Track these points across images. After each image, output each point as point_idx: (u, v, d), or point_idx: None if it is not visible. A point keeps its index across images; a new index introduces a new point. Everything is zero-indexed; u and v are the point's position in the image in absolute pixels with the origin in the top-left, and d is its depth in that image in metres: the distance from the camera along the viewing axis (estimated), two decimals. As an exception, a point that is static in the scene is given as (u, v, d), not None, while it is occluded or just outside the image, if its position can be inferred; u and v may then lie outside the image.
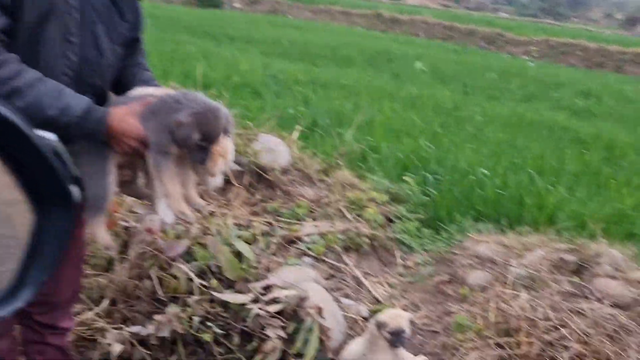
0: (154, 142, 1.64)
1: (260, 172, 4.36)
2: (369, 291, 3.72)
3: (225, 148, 1.75)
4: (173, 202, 1.70)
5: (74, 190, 0.57)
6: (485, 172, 5.38)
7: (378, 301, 3.63)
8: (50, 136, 0.53)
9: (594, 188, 5.57)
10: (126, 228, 3.23)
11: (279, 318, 2.97)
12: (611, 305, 3.30)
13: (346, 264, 3.90)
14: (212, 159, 1.71)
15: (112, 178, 1.70)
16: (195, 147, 1.65)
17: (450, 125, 7.70)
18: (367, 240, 4.08)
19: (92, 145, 1.65)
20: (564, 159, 6.44)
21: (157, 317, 2.72)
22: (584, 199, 5.16)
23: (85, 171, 1.61)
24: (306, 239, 4.03)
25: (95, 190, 1.67)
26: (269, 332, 2.80)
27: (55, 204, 0.57)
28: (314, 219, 4.28)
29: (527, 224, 4.68)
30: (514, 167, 5.85)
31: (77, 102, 1.56)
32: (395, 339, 2.91)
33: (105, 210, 1.73)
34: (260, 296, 3.04)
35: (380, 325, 2.93)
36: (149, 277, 3.08)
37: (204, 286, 3.03)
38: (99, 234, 1.77)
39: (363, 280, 3.79)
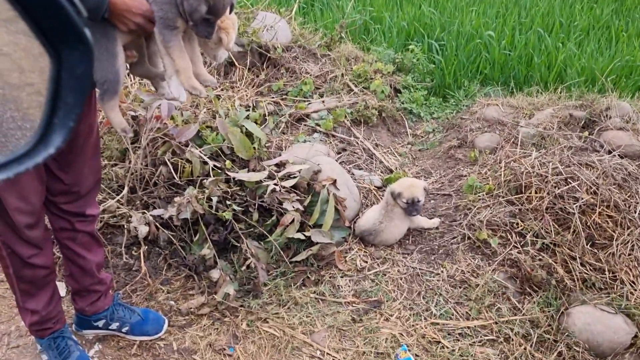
0: (160, 16, 1.59)
1: (262, 51, 4.26)
2: (381, 161, 3.77)
3: (233, 20, 1.71)
4: (184, 78, 1.69)
5: (86, 30, 0.56)
6: (492, 34, 5.22)
7: (390, 170, 3.69)
8: None
9: (604, 42, 5.42)
10: (134, 117, 3.22)
11: (294, 192, 3.05)
12: (620, 156, 3.34)
13: (356, 137, 3.92)
14: (223, 32, 1.68)
15: (122, 60, 1.66)
16: (202, 21, 1.60)
17: (453, -12, 7.36)
18: (375, 112, 4.06)
19: (96, 27, 1.58)
20: (573, 14, 6.21)
21: (176, 199, 2.79)
22: (594, 54, 5.04)
23: None
24: (314, 115, 4.02)
25: (105, 74, 1.64)
26: (286, 205, 2.89)
27: (70, 47, 0.57)
28: (321, 95, 4.24)
29: (536, 84, 4.62)
30: (521, 26, 5.66)
31: None
32: (411, 207, 3.01)
33: (118, 93, 1.71)
34: (275, 173, 3.10)
35: (395, 196, 3.01)
36: (164, 164, 3.13)
37: (218, 168, 3.09)
38: (114, 118, 1.77)
39: (374, 151, 3.83)
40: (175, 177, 3.10)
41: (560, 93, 4.30)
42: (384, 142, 4.04)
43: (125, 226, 2.90)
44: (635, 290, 2.69)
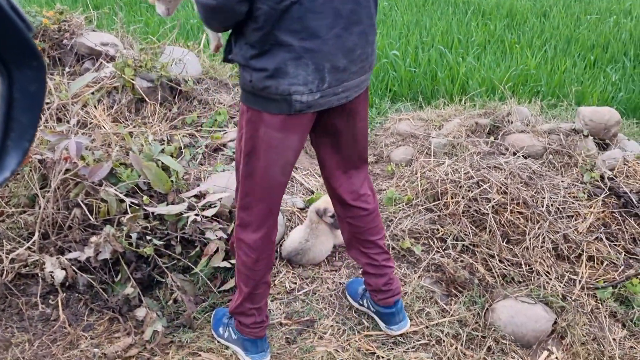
0: None
1: (172, 85, 4.22)
2: (301, 184, 3.80)
3: None
4: None
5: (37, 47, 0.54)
6: (396, 53, 5.44)
7: (311, 192, 3.72)
8: None
9: (500, 54, 5.78)
10: (41, 161, 3.10)
11: (217, 221, 3.01)
12: (524, 157, 3.55)
13: (275, 162, 3.94)
14: None
15: None
16: None
17: (357, 14, 7.63)
18: (291, 136, 4.10)
19: None
20: (470, 31, 6.59)
21: (92, 239, 2.69)
22: (492, 66, 5.36)
23: None
24: (231, 144, 4.01)
25: None
26: (209, 235, 2.84)
27: (23, 64, 0.55)
28: (236, 124, 4.24)
29: (442, 96, 4.84)
30: (424, 45, 5.94)
31: None
32: (337, 221, 3.04)
33: None
34: (195, 204, 3.06)
35: (322, 213, 3.04)
36: (78, 206, 3.01)
37: (136, 204, 3.01)
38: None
39: (294, 174, 3.85)
40: (91, 218, 2.99)
41: (465, 103, 4.53)
42: (303, 164, 4.07)
43: (40, 274, 2.76)
44: (550, 279, 2.83)
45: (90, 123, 3.94)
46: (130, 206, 2.97)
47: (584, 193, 3.22)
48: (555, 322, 2.67)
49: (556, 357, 2.59)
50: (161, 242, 2.83)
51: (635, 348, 2.58)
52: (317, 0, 1.76)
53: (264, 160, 2.09)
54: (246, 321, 2.42)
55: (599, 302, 2.75)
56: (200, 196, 3.22)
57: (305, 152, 4.21)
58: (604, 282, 2.82)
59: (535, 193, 3.17)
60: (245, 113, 2.04)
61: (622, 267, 2.90)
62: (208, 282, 2.83)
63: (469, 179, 3.27)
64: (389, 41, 5.96)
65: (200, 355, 2.54)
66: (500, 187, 3.17)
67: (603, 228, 3.08)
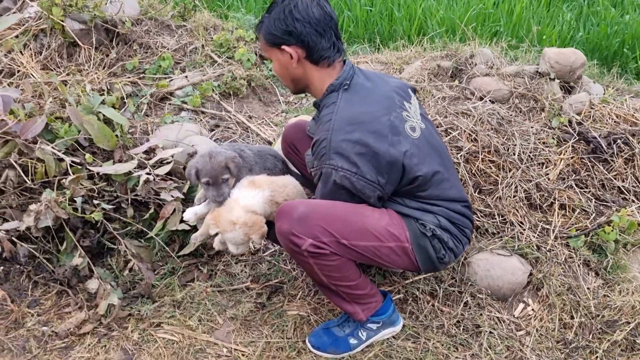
0: None
1: (108, 26, 3.80)
2: (257, 134, 3.56)
3: None
4: None
5: None
6: (351, -9, 5.13)
7: (268, 142, 3.49)
8: None
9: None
10: (-37, 117, 2.71)
11: (171, 179, 2.76)
12: (491, 101, 3.41)
13: (228, 111, 3.66)
14: None
15: None
16: None
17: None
18: (244, 82, 3.81)
19: None
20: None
21: (32, 206, 2.38)
22: (450, 4, 5.15)
23: None
24: (179, 92, 3.68)
25: None
26: (164, 195, 2.59)
27: None
28: (183, 70, 3.90)
29: (400, 38, 4.62)
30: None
31: None
32: None
33: None
34: (145, 161, 2.78)
35: None
36: (11, 167, 2.68)
37: (78, 164, 2.70)
38: None
39: (248, 124, 3.60)
40: (27, 180, 2.66)
41: (425, 45, 4.33)
42: (258, 113, 3.81)
43: (-29, 247, 2.44)
44: (524, 230, 2.76)
45: (18, 71, 3.52)
46: (71, 166, 2.67)
47: (554, 139, 3.14)
48: (530, 274, 2.61)
49: (532, 309, 2.54)
50: (110, 206, 2.56)
51: (609, 297, 2.56)
52: None
53: None
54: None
55: (573, 251, 2.70)
56: (150, 152, 2.93)
57: (259, 100, 3.93)
58: (577, 230, 2.78)
59: (505, 140, 3.06)
60: None
61: (594, 215, 2.85)
62: (165, 246, 2.60)
63: (438, 127, 3.11)
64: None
65: (162, 327, 2.34)
66: (471, 135, 3.04)
67: (573, 175, 3.01)
